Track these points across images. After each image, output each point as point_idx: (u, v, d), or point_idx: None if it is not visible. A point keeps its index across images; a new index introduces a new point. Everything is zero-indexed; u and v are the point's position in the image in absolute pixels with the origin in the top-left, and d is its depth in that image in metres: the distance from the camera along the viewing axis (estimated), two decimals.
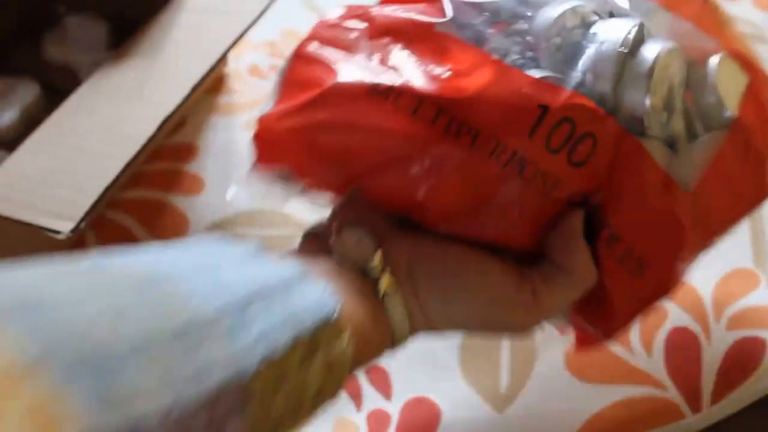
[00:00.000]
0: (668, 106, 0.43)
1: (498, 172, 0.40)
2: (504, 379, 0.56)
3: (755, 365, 0.56)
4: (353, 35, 0.44)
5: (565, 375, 0.56)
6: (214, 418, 0.30)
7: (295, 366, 0.34)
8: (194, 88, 0.58)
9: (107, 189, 0.51)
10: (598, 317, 0.46)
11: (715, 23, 0.48)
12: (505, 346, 0.57)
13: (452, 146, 0.40)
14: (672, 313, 0.59)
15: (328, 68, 0.43)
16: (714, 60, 0.45)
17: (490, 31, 0.43)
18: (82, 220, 0.49)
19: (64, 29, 0.71)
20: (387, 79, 0.41)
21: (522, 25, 0.43)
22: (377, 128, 0.41)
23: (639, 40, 0.43)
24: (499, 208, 0.41)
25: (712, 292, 0.60)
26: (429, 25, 0.43)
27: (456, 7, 0.43)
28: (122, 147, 0.54)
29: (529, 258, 0.43)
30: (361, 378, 0.56)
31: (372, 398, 0.55)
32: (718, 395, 0.55)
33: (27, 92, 0.69)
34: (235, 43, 0.61)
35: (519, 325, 0.44)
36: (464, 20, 0.43)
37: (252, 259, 0.37)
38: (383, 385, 0.56)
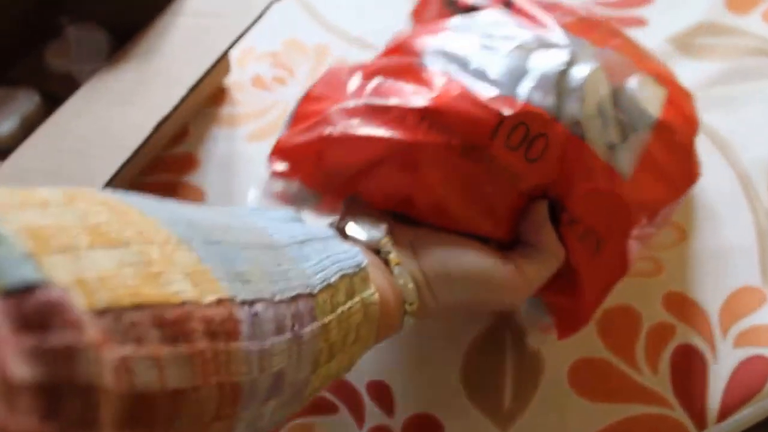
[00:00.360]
0: (601, 114, 0.53)
1: (471, 166, 0.50)
2: (507, 397, 0.55)
3: (762, 384, 0.55)
4: (352, 78, 0.56)
5: (570, 393, 0.56)
6: (296, 314, 0.38)
7: (342, 297, 0.41)
8: (190, 92, 0.57)
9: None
10: (571, 296, 0.52)
11: (635, 52, 0.60)
12: (509, 365, 0.57)
13: (432, 145, 0.50)
14: (678, 330, 0.58)
15: (331, 100, 0.55)
16: (634, 78, 0.57)
17: (454, 65, 0.54)
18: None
19: (65, 39, 0.70)
20: (380, 100, 0.51)
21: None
22: (372, 136, 0.50)
23: (572, 63, 0.54)
24: (476, 200, 0.50)
25: (719, 310, 0.59)
26: (409, 63, 0.54)
27: (429, 55, 0.55)
28: (117, 150, 0.54)
29: (506, 247, 0.52)
30: (363, 394, 0.56)
31: (374, 415, 0.55)
32: (724, 414, 0.55)
33: (27, 101, 0.68)
34: (232, 46, 0.61)
35: (508, 294, 0.50)
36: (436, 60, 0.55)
37: (293, 220, 0.46)
38: (386, 402, 0.56)
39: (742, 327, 0.58)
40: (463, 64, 0.54)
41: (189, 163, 0.71)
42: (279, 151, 0.54)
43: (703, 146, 0.69)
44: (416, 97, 0.51)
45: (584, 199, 0.52)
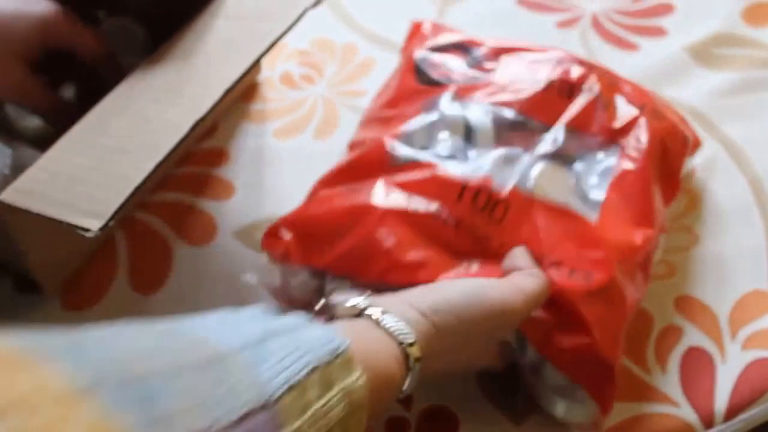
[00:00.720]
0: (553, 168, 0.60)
1: (440, 225, 0.56)
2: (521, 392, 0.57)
3: None
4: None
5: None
6: None
7: (315, 393, 0.37)
8: (226, 93, 0.59)
9: (137, 189, 0.52)
10: (582, 334, 0.53)
11: (610, 81, 0.66)
12: None
13: (406, 210, 0.57)
14: (687, 332, 0.60)
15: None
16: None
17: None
18: (111, 219, 0.49)
19: (103, 33, 0.72)
20: (360, 198, 0.58)
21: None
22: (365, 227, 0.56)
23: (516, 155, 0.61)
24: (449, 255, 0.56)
25: (728, 312, 0.61)
26: (385, 160, 0.61)
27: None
28: (153, 149, 0.54)
29: None
30: None
31: (391, 406, 0.56)
32: (730, 414, 0.56)
33: (63, 94, 0.70)
34: (268, 49, 0.62)
35: (510, 307, 0.49)
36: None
37: (262, 315, 0.42)
38: None
39: (750, 329, 0.60)
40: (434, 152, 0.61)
41: (219, 156, 0.73)
42: (270, 231, 0.59)
43: (716, 154, 0.71)
44: (390, 186, 0.58)
45: (559, 245, 0.56)
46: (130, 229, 0.67)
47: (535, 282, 0.52)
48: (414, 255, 0.55)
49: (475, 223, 0.57)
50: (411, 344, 0.45)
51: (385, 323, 0.46)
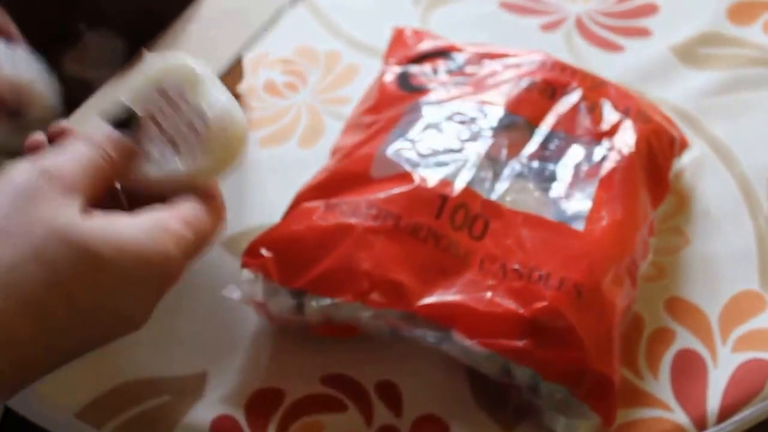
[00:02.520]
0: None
1: (420, 243, 0.56)
2: (513, 400, 0.56)
3: (761, 385, 0.57)
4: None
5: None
6: None
7: None
8: None
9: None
10: (571, 349, 0.52)
11: (593, 83, 0.66)
12: None
13: (384, 229, 0.56)
14: (679, 334, 0.60)
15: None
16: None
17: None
18: None
19: (83, 46, 0.72)
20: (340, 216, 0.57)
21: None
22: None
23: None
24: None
25: (719, 314, 0.61)
26: (365, 173, 0.60)
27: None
28: None
29: None
30: (372, 394, 0.57)
31: (382, 414, 0.56)
32: (723, 416, 0.56)
33: None
34: (245, 48, 0.62)
35: (157, 254, 0.42)
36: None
37: None
38: (394, 402, 0.57)
39: (742, 331, 0.60)
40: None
41: None
42: (250, 248, 0.58)
43: (704, 154, 0.71)
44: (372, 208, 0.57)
45: (545, 253, 0.55)
46: None
47: (196, 214, 0.45)
48: (394, 275, 0.54)
49: (455, 240, 0.56)
50: None
51: None
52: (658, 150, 0.63)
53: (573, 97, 0.63)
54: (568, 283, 0.53)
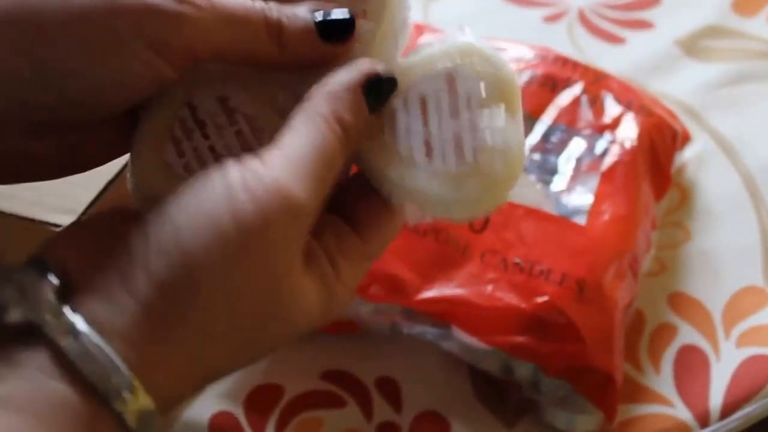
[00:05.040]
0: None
1: (419, 237, 0.55)
2: (514, 395, 0.56)
3: (764, 383, 0.56)
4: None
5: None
6: None
7: None
8: None
9: (109, 184, 0.51)
10: (571, 342, 0.52)
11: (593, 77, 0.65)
12: None
13: None
14: (681, 330, 0.59)
15: None
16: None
17: None
18: (82, 214, 0.49)
19: None
20: None
21: None
22: None
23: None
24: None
25: (722, 309, 0.60)
26: None
27: None
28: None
29: None
30: (372, 390, 0.57)
31: (382, 410, 0.56)
32: (726, 412, 0.55)
33: None
34: None
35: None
36: None
37: None
38: (394, 398, 0.57)
39: (745, 326, 0.59)
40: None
41: None
42: None
43: (707, 147, 0.70)
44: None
45: (548, 248, 0.55)
46: None
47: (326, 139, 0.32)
48: (393, 269, 0.54)
49: (455, 233, 0.56)
50: (130, 394, 0.26)
51: (75, 356, 0.26)
52: (660, 143, 0.63)
53: (574, 90, 0.63)
54: (569, 279, 0.53)
